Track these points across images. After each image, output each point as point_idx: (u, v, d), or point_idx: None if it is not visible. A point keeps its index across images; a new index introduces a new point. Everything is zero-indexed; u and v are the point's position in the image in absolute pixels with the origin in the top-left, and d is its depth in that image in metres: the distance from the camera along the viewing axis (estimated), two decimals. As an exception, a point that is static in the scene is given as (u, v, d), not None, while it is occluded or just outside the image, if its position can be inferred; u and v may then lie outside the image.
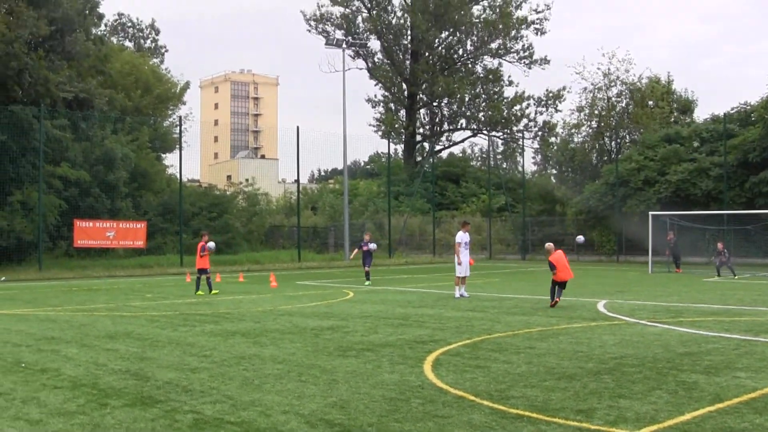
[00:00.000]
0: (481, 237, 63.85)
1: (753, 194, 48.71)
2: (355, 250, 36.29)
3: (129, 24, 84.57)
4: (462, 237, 26.05)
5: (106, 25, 70.95)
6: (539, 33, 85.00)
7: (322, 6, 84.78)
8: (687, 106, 70.43)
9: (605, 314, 20.17)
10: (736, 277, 35.74)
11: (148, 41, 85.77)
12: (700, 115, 69.95)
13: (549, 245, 23.55)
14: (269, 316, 20.25)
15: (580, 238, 34.88)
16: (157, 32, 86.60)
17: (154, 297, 27.07)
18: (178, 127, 53.77)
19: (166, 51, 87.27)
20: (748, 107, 55.37)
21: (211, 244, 28.25)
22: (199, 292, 27.48)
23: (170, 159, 60.91)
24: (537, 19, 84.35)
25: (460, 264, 25.72)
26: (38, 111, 43.00)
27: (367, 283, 32.85)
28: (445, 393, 10.51)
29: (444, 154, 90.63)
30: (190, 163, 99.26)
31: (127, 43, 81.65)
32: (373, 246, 34.54)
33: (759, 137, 49.18)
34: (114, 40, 75.42)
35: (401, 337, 16.00)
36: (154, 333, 17.01)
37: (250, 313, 21.08)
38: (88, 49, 49.73)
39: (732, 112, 56.35)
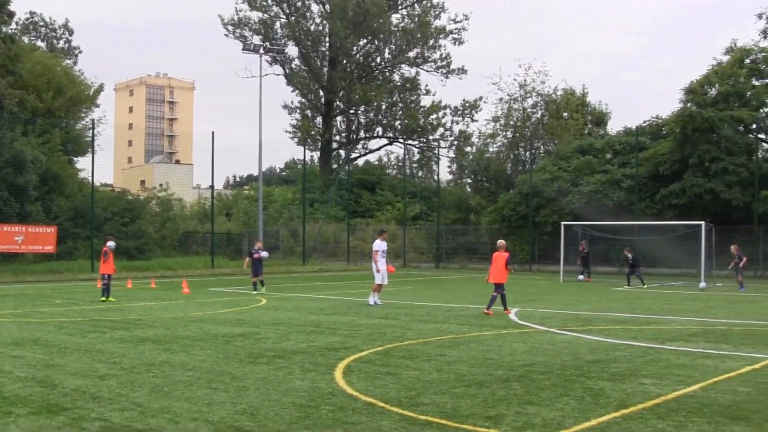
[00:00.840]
0: (395, 245, 63.93)
1: (663, 206, 49.58)
2: (247, 259, 34.52)
3: (41, 23, 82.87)
4: (379, 245, 26.14)
5: (17, 24, 69.41)
6: (457, 43, 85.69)
7: (240, 11, 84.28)
8: (601, 119, 71.61)
9: (516, 322, 20.39)
10: (645, 286, 36.34)
11: (62, 42, 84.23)
12: (614, 127, 71.29)
13: (500, 242, 23.75)
14: (180, 323, 20.07)
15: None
16: (71, 33, 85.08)
17: (63, 303, 26.64)
18: (91, 131, 53.03)
19: (80, 52, 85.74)
20: (660, 121, 56.41)
21: (111, 243, 27.75)
22: (111, 298, 27.09)
23: (83, 163, 59.74)
24: (455, 29, 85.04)
25: (378, 272, 25.81)
26: (-56, 111, 42.08)
27: (255, 291, 31.89)
28: (355, 400, 10.53)
29: (360, 161, 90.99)
30: (104, 167, 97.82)
31: (40, 43, 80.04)
32: (264, 254, 33.45)
33: (669, 150, 50.18)
34: (25, 39, 73.88)
35: (313, 344, 15.99)
36: (62, 339, 16.75)
37: (161, 320, 20.88)
38: (-3, 48, 48.77)
39: (644, 125, 57.37)
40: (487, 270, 23.38)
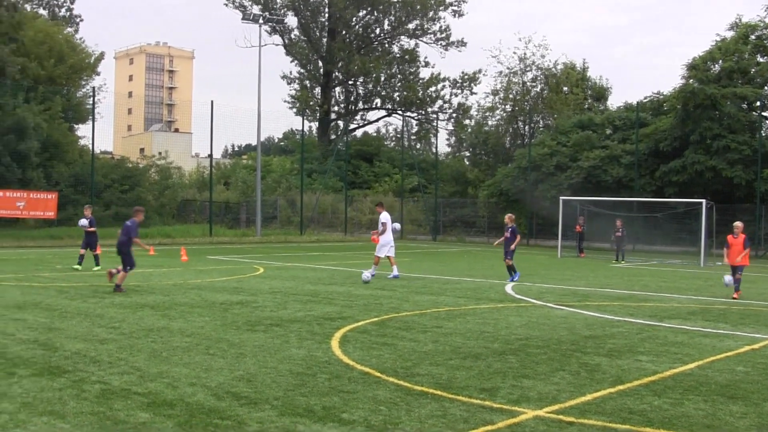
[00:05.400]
0: (393, 217, 64.01)
1: (663, 183, 49.43)
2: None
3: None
4: (383, 216, 26.47)
5: (19, -8, 69.18)
6: (457, 15, 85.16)
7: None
8: (601, 94, 71.31)
9: (513, 296, 20.47)
10: (622, 262, 36.63)
11: (63, 10, 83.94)
12: (614, 102, 70.83)
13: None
14: (179, 290, 20.22)
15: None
16: (72, 1, 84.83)
17: (63, 268, 26.73)
18: (92, 98, 53.03)
19: (81, 20, 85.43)
20: (661, 97, 56.25)
21: None
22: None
23: (83, 130, 59.64)
24: (455, 1, 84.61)
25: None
26: (-53, 77, 42.02)
27: (77, 267, 26.57)
28: (351, 369, 10.67)
29: (358, 133, 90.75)
30: (103, 134, 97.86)
31: (41, 11, 79.74)
32: (83, 222, 27.16)
33: (670, 127, 49.96)
34: (27, 7, 73.59)
35: (310, 314, 16.11)
36: (63, 304, 16.88)
37: (159, 287, 21.02)
38: (0, 16, 48.68)
39: (645, 101, 57.18)
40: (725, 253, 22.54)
